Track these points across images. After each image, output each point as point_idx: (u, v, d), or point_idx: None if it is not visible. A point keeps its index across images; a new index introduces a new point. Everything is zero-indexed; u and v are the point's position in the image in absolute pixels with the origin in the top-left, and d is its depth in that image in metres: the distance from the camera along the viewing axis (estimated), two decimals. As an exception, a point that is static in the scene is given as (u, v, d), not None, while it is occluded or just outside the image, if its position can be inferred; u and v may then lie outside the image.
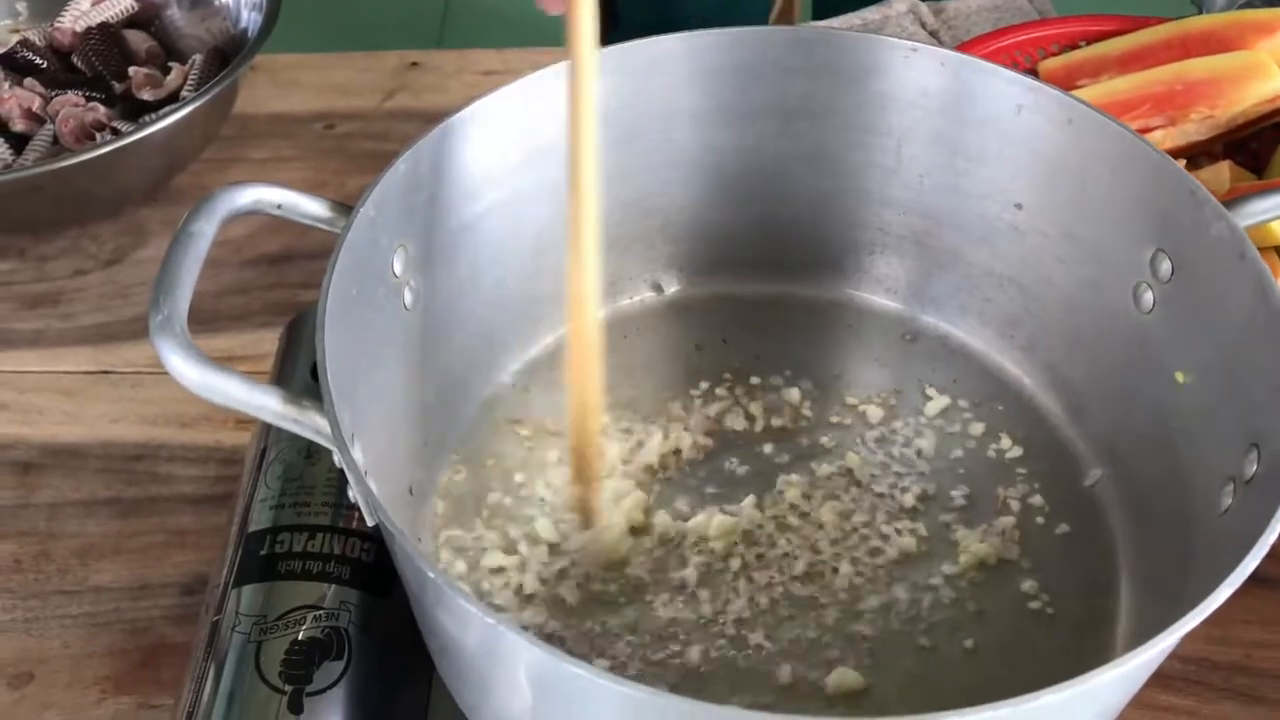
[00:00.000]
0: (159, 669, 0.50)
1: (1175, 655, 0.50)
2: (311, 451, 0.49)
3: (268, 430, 0.51)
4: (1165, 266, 0.41)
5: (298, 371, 0.53)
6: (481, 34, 1.66)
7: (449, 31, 1.76)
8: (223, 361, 0.35)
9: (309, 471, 0.48)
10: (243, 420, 0.61)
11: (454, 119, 0.44)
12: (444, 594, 0.29)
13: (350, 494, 0.37)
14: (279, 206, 0.40)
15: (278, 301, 0.67)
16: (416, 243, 0.43)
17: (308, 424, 0.34)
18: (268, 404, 0.34)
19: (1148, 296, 0.43)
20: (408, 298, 0.44)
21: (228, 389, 0.33)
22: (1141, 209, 0.42)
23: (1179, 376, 0.41)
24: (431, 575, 0.29)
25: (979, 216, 0.48)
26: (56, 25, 0.77)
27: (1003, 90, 0.45)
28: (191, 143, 0.72)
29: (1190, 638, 0.50)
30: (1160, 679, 0.49)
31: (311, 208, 0.40)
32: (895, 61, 0.46)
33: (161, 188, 0.73)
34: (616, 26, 1.02)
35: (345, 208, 0.41)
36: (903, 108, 0.47)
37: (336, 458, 0.35)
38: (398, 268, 0.43)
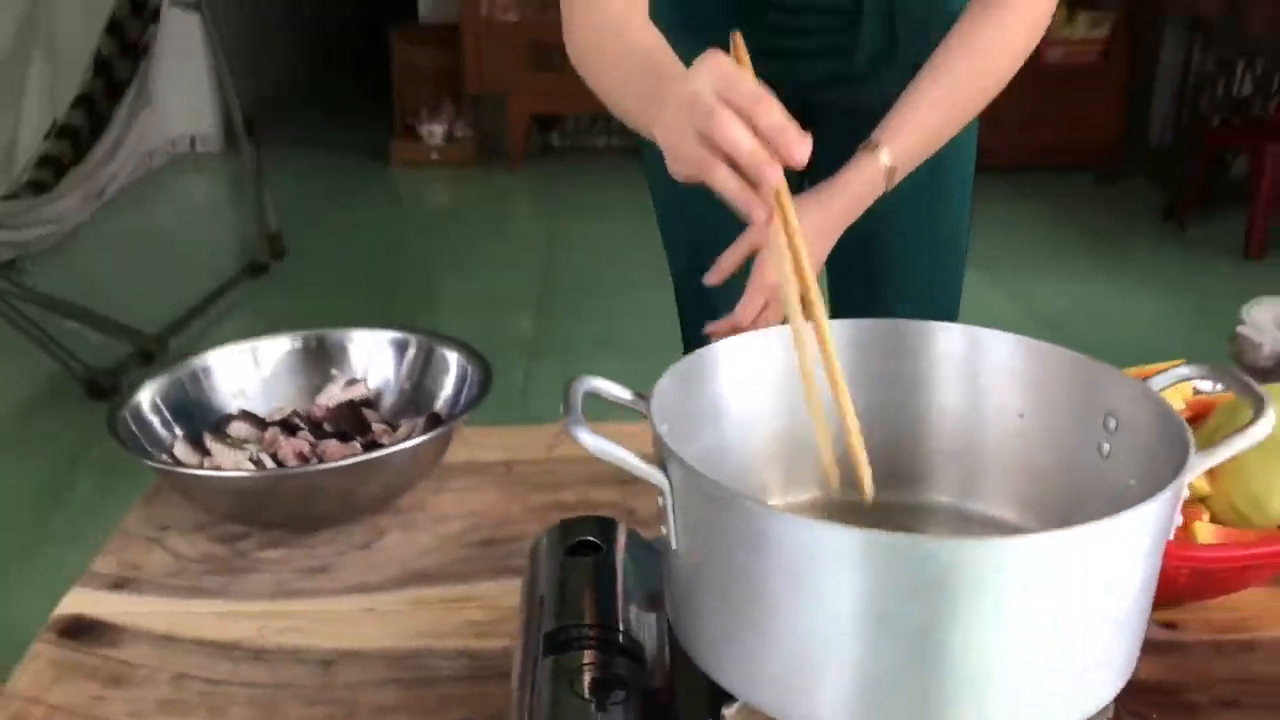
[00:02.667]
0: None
1: None
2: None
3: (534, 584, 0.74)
4: (1112, 423, 0.69)
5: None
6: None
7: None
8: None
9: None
10: (483, 633, 0.83)
11: (705, 352, 0.73)
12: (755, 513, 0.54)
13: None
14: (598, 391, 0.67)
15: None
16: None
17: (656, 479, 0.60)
18: (636, 463, 0.60)
19: (1106, 447, 0.70)
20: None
21: (616, 453, 0.59)
22: (1097, 398, 0.70)
23: (1131, 481, 0.67)
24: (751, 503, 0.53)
25: (995, 431, 0.76)
26: (315, 404, 1.09)
27: (1002, 346, 0.75)
28: (416, 470, 1.00)
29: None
30: None
31: (622, 394, 0.68)
32: (938, 338, 0.77)
33: (392, 502, 1.00)
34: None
35: (643, 397, 0.68)
36: (942, 366, 0.77)
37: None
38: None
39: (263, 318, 3.37)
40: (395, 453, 0.93)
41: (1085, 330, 3.14)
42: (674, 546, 0.61)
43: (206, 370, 1.08)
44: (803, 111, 1.25)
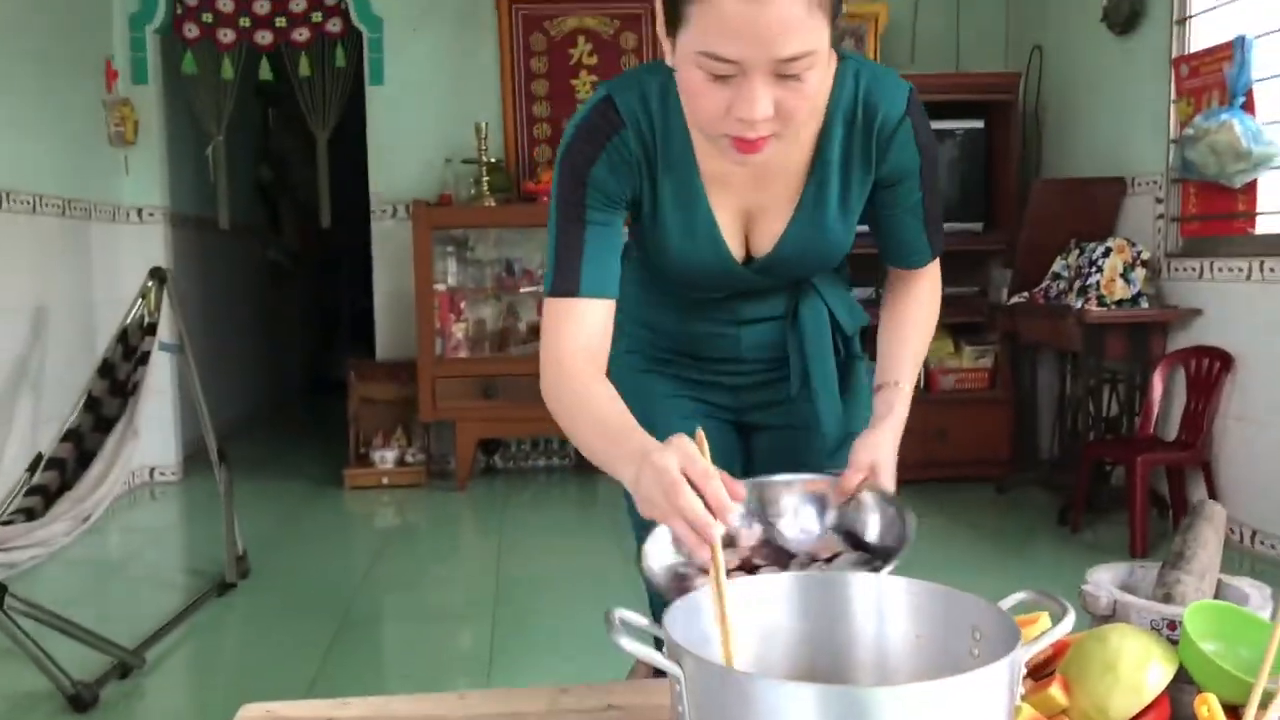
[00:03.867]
0: None
1: None
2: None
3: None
4: (978, 635, 1.01)
5: None
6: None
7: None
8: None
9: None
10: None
11: (694, 594, 1.04)
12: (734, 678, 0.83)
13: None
14: (626, 619, 0.98)
15: None
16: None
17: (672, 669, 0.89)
18: (660, 659, 0.89)
19: (975, 651, 1.01)
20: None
21: (647, 652, 0.89)
22: (966, 618, 1.02)
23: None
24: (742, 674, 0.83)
25: (900, 647, 1.07)
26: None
27: (900, 586, 1.07)
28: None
29: None
30: None
31: (641, 620, 0.98)
32: (855, 583, 1.09)
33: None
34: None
35: (657, 622, 0.99)
36: (859, 603, 1.09)
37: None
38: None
39: (234, 630, 3.54)
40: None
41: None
42: (687, 719, 0.90)
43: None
44: (738, 430, 1.63)
